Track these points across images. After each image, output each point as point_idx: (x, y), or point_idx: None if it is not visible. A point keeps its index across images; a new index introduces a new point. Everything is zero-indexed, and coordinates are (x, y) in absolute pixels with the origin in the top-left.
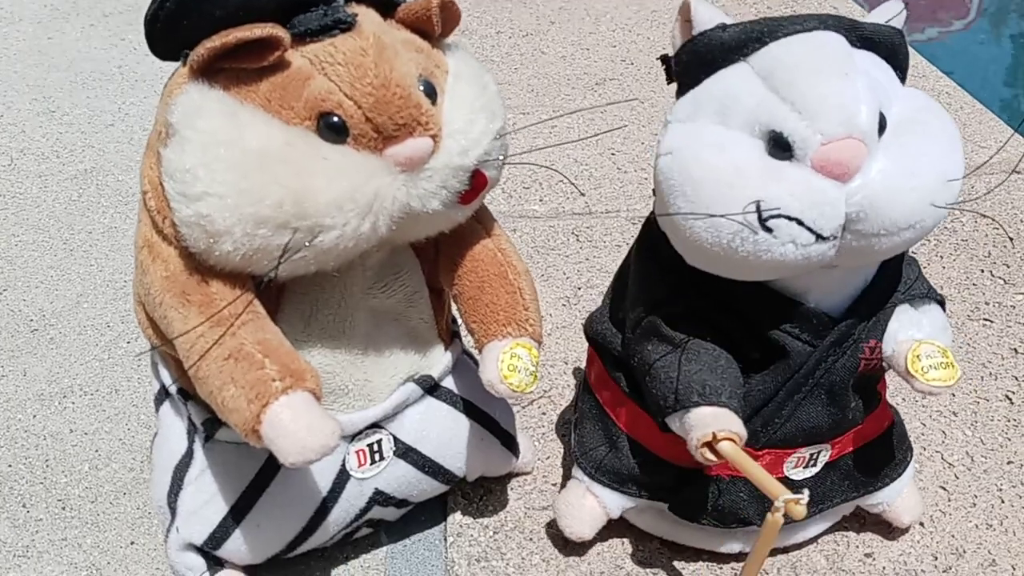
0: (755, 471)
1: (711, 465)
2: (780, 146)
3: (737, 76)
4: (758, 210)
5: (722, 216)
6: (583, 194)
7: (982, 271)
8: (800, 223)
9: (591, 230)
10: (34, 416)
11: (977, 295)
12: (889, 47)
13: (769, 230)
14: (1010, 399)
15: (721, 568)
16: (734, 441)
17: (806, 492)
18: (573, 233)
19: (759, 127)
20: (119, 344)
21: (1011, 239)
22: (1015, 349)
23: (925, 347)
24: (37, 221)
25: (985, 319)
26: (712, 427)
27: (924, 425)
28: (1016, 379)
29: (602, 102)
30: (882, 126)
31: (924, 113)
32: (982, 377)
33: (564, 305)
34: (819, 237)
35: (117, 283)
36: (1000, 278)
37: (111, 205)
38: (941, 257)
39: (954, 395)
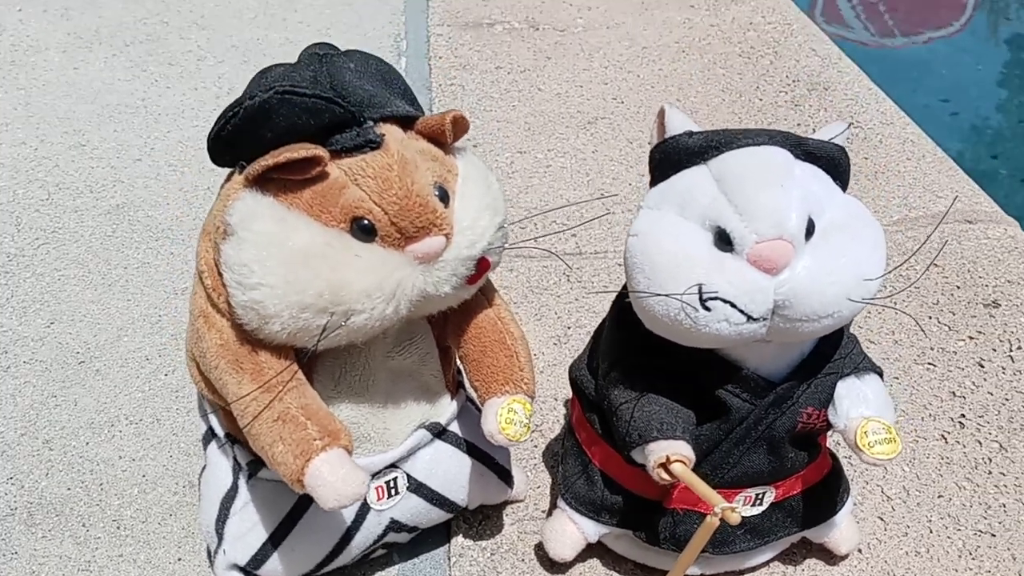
0: (700, 486)
1: (666, 483)
2: (724, 240)
3: (697, 176)
4: (700, 292)
5: (668, 296)
6: (574, 235)
7: (930, 318)
8: (733, 305)
9: (581, 271)
10: (87, 443)
11: (924, 341)
12: (830, 161)
13: (708, 309)
14: (945, 439)
15: None
16: (684, 463)
17: (739, 504)
18: (564, 274)
19: (708, 222)
20: (158, 376)
21: (958, 287)
22: (953, 392)
23: (872, 424)
24: (77, 256)
25: (929, 363)
26: (667, 451)
27: None
28: (952, 420)
29: (594, 142)
30: (810, 231)
31: (853, 220)
32: (922, 418)
33: (555, 344)
34: (749, 318)
35: (153, 318)
36: (945, 325)
37: (143, 241)
38: (895, 303)
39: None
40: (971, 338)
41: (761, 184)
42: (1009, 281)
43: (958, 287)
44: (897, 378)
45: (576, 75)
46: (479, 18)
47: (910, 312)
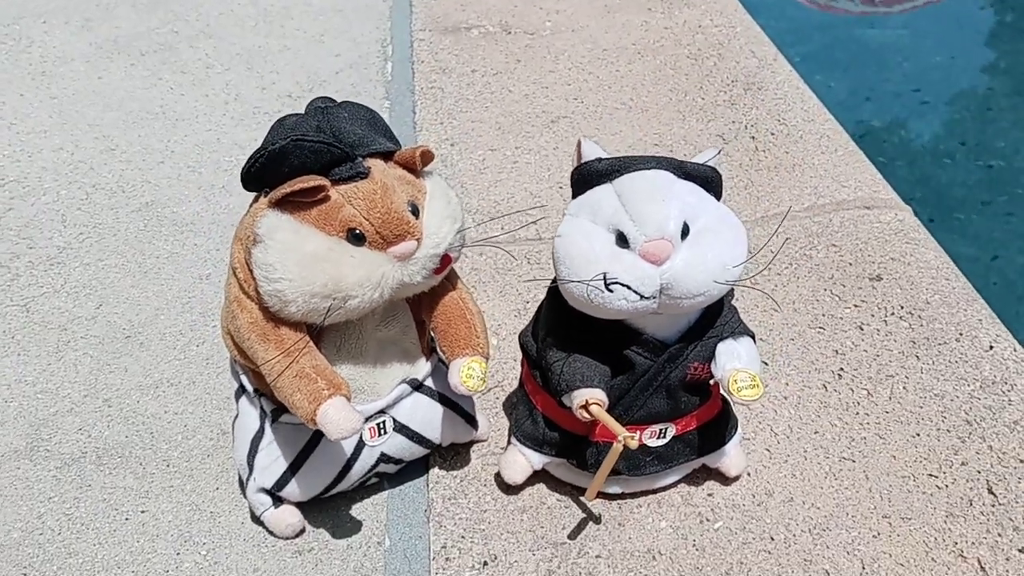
0: (609, 421)
1: (587, 420)
2: (622, 240)
3: (604, 192)
4: (604, 279)
5: (582, 281)
6: (535, 223)
7: (825, 290)
8: (629, 288)
9: (540, 255)
10: (138, 401)
11: (818, 308)
12: (704, 179)
13: (611, 291)
14: (826, 388)
15: (609, 503)
16: (599, 405)
17: (637, 433)
18: (526, 257)
19: (611, 226)
20: (191, 347)
21: (850, 264)
22: (836, 350)
23: (740, 374)
24: (115, 247)
25: (820, 327)
26: (586, 396)
27: (763, 406)
28: (832, 372)
29: (555, 139)
30: (686, 232)
31: (720, 224)
32: (809, 371)
33: (516, 316)
34: (642, 297)
35: (183, 299)
36: (836, 295)
37: (170, 234)
38: (798, 278)
39: (787, 384)
40: (856, 306)
41: (648, 199)
42: (892, 259)
43: (850, 264)
44: (793, 340)
45: (542, 77)
46: (457, 23)
47: (809, 285)
